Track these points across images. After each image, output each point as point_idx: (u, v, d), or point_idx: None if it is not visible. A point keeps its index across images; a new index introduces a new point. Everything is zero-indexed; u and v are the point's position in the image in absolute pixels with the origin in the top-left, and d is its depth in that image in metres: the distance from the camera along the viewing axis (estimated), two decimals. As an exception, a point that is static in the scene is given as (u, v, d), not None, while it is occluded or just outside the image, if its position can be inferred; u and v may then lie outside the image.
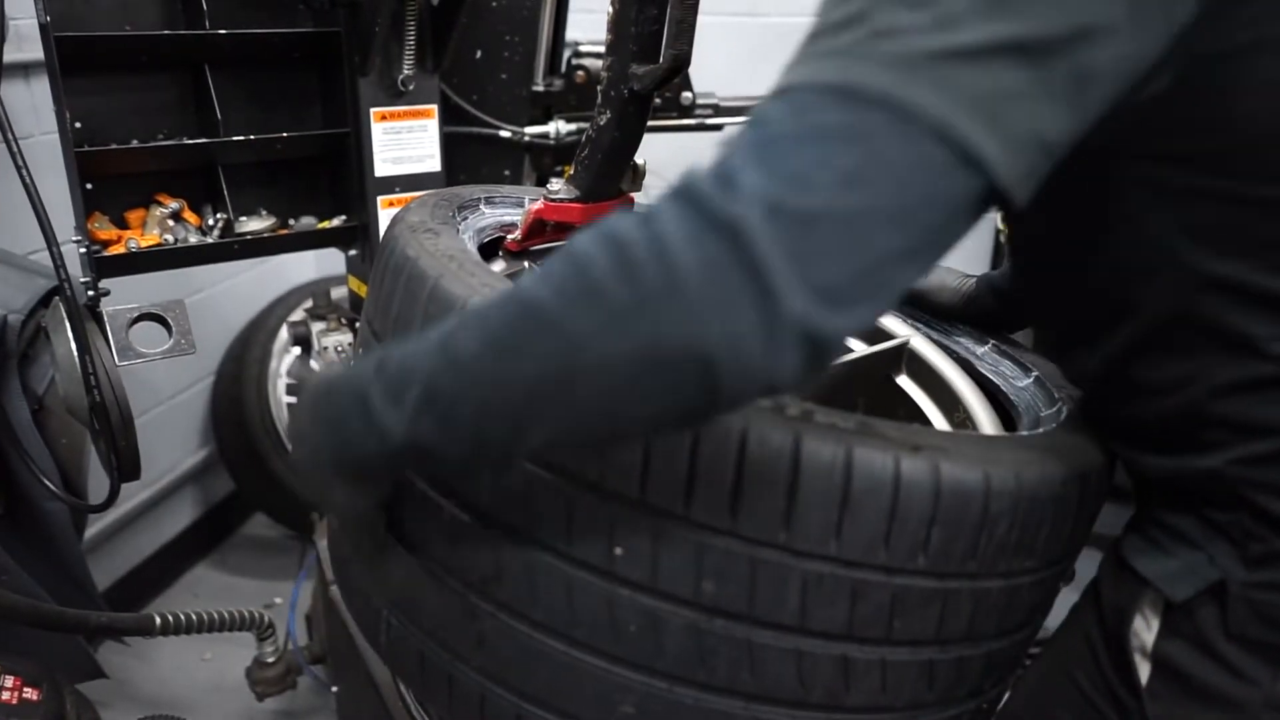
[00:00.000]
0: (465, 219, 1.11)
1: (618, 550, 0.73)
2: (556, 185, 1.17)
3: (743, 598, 0.73)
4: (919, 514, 0.72)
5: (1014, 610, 0.84)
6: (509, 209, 1.22)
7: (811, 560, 0.72)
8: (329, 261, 2.82)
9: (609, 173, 1.16)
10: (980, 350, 1.19)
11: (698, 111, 2.13)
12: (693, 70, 2.17)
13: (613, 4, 1.04)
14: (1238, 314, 0.73)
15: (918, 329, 1.25)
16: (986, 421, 1.11)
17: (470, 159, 1.88)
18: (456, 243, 0.94)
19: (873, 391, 1.24)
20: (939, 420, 1.17)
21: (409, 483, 0.84)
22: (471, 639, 0.81)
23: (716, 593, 0.73)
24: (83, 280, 1.43)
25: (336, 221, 1.70)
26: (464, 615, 0.81)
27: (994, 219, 2.36)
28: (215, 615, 1.72)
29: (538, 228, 1.18)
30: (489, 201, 1.20)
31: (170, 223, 1.54)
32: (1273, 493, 0.78)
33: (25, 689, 1.37)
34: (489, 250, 1.18)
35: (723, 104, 2.16)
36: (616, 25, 1.05)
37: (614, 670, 0.76)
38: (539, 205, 1.16)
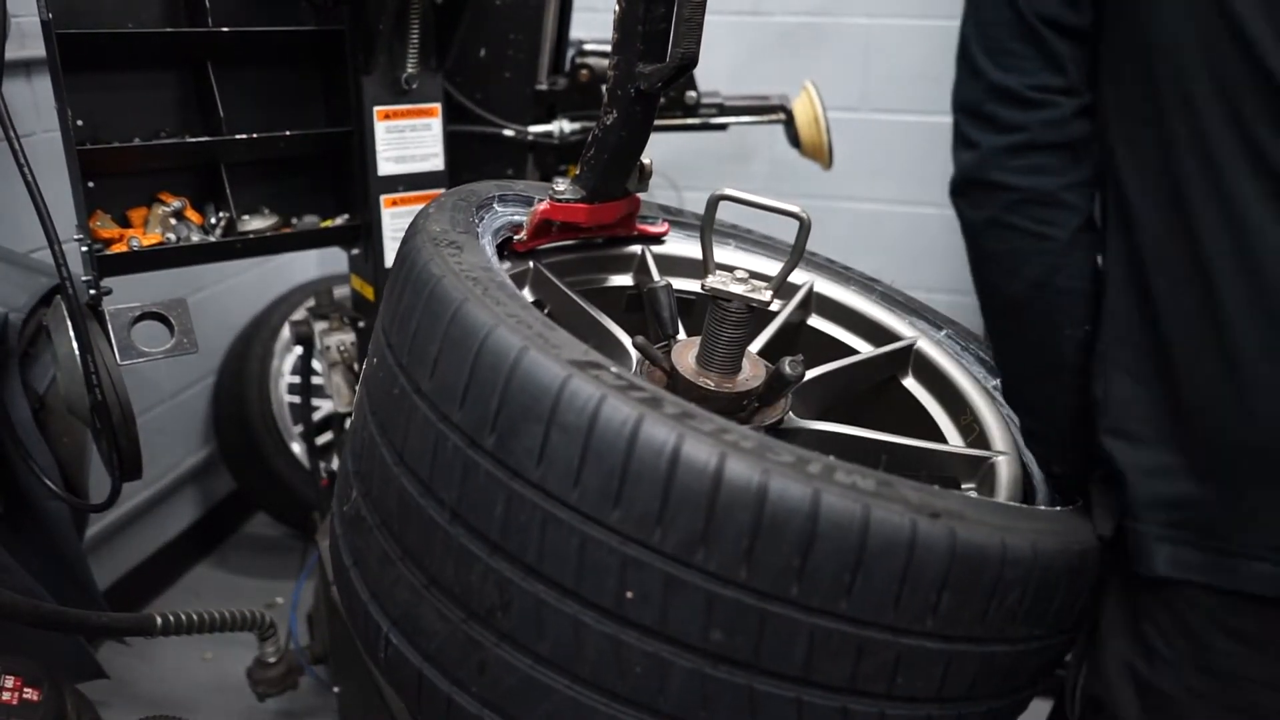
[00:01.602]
0: (482, 219, 1.10)
1: (628, 594, 0.73)
2: (562, 185, 1.17)
3: (749, 648, 0.73)
4: (931, 578, 0.72)
5: (1018, 674, 0.84)
6: (519, 207, 1.21)
7: (821, 616, 0.72)
8: (331, 260, 2.81)
9: (615, 172, 1.16)
10: (992, 384, 1.19)
11: (702, 110, 2.12)
12: (699, 69, 2.17)
13: (619, 3, 1.04)
14: None
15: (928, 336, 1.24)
16: (994, 425, 1.11)
17: (474, 158, 1.88)
18: (480, 259, 0.93)
19: (879, 392, 1.24)
20: (945, 423, 1.16)
21: (416, 505, 0.83)
22: (473, 666, 0.81)
23: (724, 641, 0.73)
24: (84, 279, 1.43)
25: (339, 220, 1.69)
26: (467, 642, 0.81)
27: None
28: (216, 615, 1.72)
29: (544, 228, 1.17)
30: (501, 200, 1.19)
31: (172, 221, 1.53)
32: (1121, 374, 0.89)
33: (26, 689, 1.36)
34: (498, 251, 1.18)
35: (727, 103, 2.15)
36: (623, 24, 1.04)
37: (615, 707, 0.77)
38: (545, 205, 1.15)
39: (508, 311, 0.81)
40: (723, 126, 2.18)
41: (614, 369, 0.77)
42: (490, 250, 1.02)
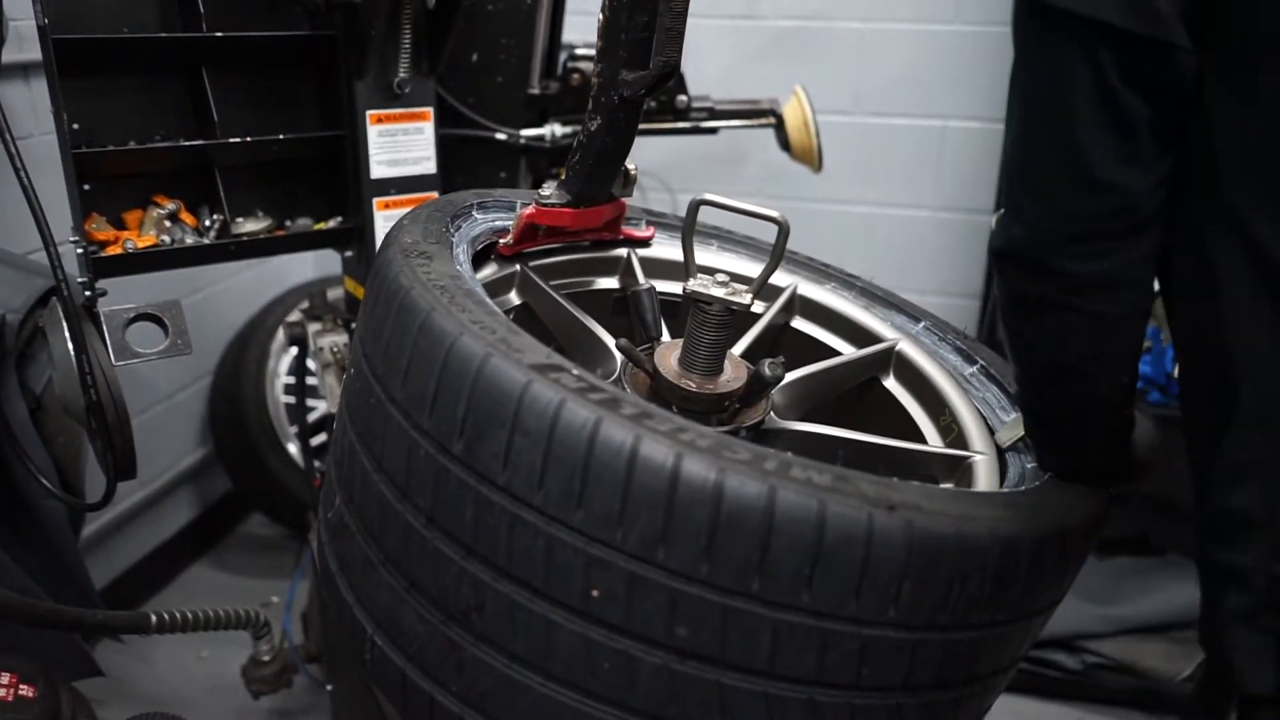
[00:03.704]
0: (459, 228, 1.12)
1: (594, 592, 0.75)
2: (548, 190, 1.18)
3: (714, 643, 0.74)
4: (890, 569, 0.73)
5: (986, 660, 0.85)
6: (501, 213, 1.23)
7: (783, 610, 0.73)
8: (327, 262, 2.83)
9: (600, 177, 1.17)
10: (968, 371, 1.20)
11: (693, 115, 2.14)
12: (691, 72, 2.19)
13: (603, 11, 1.05)
14: None
15: (905, 334, 1.26)
16: (973, 426, 1.12)
17: (466, 161, 1.89)
18: (449, 268, 0.94)
19: (860, 393, 1.25)
20: (925, 423, 1.18)
21: (394, 510, 0.85)
22: (452, 666, 0.83)
23: (689, 637, 0.74)
24: (80, 280, 1.44)
25: (333, 223, 1.71)
26: (445, 643, 0.82)
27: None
28: (211, 613, 1.73)
29: (530, 232, 1.19)
30: (481, 207, 1.21)
31: (167, 223, 1.55)
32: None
33: (21, 686, 1.37)
34: (483, 255, 1.19)
35: (718, 107, 2.17)
36: (607, 32, 1.06)
37: (588, 704, 0.78)
38: (531, 210, 1.17)
39: (472, 319, 0.82)
40: (713, 130, 2.20)
41: (575, 371, 0.78)
42: (464, 258, 1.04)
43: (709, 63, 2.66)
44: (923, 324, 1.28)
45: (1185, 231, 0.78)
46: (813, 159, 2.17)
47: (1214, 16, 0.70)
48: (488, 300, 0.89)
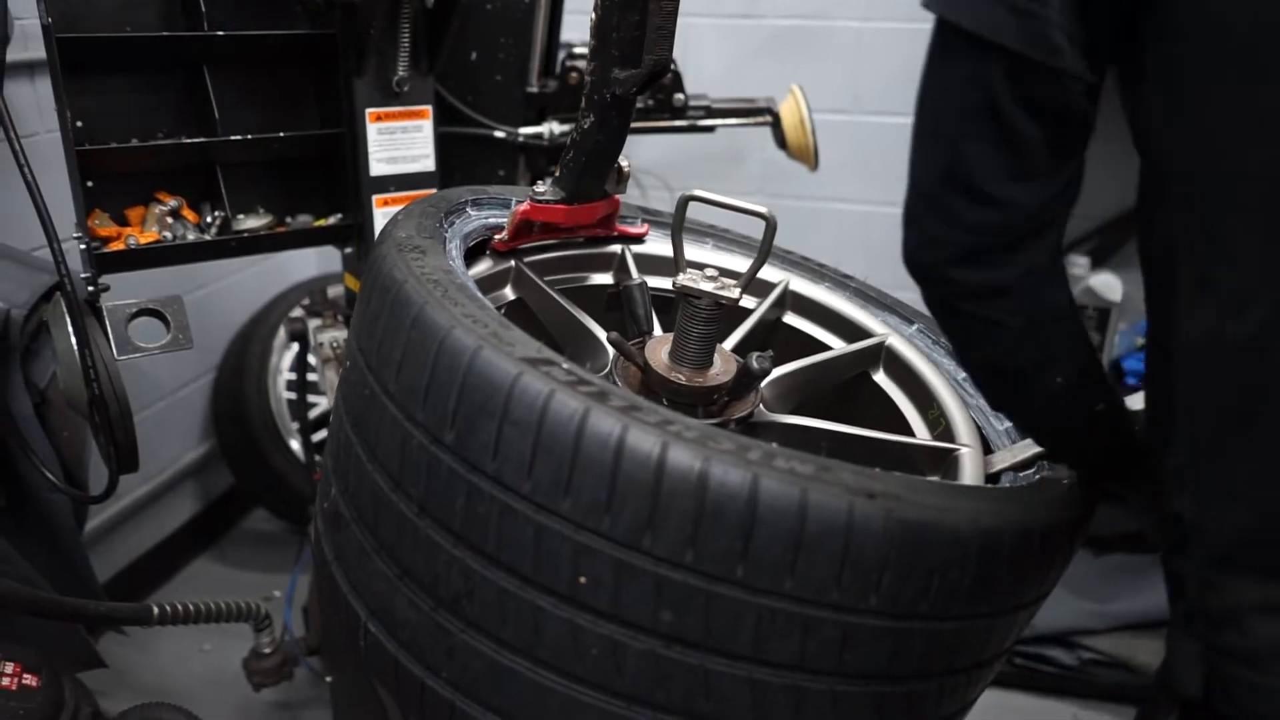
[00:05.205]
0: (453, 224, 1.14)
1: (581, 579, 0.76)
2: (542, 187, 1.20)
3: (699, 628, 0.76)
4: (871, 557, 0.74)
5: (969, 651, 0.87)
6: (495, 210, 1.25)
7: (766, 596, 0.75)
8: (330, 259, 2.85)
9: (593, 175, 1.19)
10: (962, 375, 1.21)
11: (690, 113, 2.15)
12: (690, 71, 2.20)
13: (595, 10, 1.07)
14: None
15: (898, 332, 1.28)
16: (960, 420, 1.14)
17: (465, 159, 1.91)
18: (443, 262, 0.96)
19: (850, 387, 1.27)
20: (913, 417, 1.19)
21: (388, 500, 0.87)
22: (443, 652, 0.84)
23: (674, 622, 0.76)
24: (83, 276, 1.46)
25: (332, 220, 1.72)
26: (436, 629, 0.84)
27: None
28: (213, 606, 1.75)
29: (524, 228, 1.21)
30: (475, 204, 1.23)
31: (169, 220, 1.57)
32: None
33: (25, 675, 1.40)
34: (480, 251, 1.21)
35: (715, 105, 2.18)
36: (599, 31, 1.08)
37: (576, 689, 0.80)
38: (525, 206, 1.19)
39: (464, 312, 0.84)
40: (710, 129, 2.21)
41: (565, 365, 0.80)
42: (456, 253, 1.06)
43: (707, 61, 2.67)
44: (916, 326, 1.30)
45: (1146, 240, 0.80)
46: (809, 157, 2.18)
47: (1148, 44, 0.71)
48: (480, 295, 0.91)
